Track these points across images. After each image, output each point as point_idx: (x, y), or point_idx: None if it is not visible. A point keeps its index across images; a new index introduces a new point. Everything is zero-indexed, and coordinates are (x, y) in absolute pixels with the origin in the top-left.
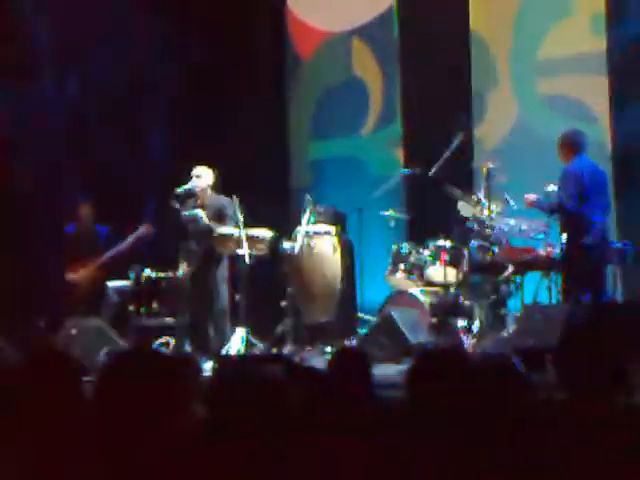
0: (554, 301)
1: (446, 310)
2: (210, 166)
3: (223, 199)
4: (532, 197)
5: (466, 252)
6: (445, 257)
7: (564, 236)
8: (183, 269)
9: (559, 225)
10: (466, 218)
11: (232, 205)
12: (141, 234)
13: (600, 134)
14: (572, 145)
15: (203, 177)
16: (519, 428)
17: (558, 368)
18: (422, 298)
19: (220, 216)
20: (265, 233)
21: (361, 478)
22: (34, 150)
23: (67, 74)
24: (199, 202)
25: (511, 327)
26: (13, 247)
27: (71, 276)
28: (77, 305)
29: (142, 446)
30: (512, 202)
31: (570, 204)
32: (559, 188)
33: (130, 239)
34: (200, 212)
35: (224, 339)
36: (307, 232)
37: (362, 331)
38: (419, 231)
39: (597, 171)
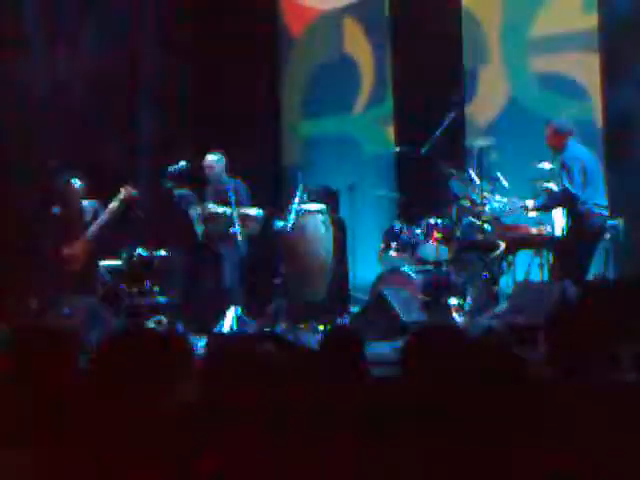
0: (546, 279)
1: (438, 288)
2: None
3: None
4: (530, 203)
5: (458, 230)
6: (437, 235)
7: (565, 221)
8: None
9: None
10: (458, 196)
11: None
12: (123, 197)
13: (591, 111)
14: (564, 132)
15: (216, 166)
16: (512, 404)
17: (549, 345)
18: (414, 276)
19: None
20: (257, 211)
21: (355, 457)
22: (18, 124)
23: (55, 48)
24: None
25: (503, 305)
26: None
27: (62, 253)
28: (69, 284)
29: (137, 424)
30: (504, 180)
31: (577, 190)
32: (560, 176)
33: (111, 206)
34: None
35: (217, 317)
36: (299, 210)
37: (354, 309)
38: (411, 209)
39: (592, 156)
